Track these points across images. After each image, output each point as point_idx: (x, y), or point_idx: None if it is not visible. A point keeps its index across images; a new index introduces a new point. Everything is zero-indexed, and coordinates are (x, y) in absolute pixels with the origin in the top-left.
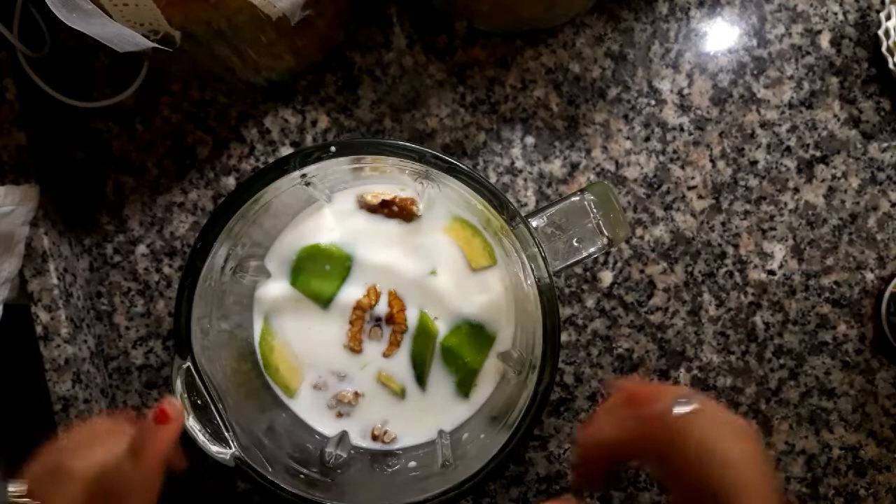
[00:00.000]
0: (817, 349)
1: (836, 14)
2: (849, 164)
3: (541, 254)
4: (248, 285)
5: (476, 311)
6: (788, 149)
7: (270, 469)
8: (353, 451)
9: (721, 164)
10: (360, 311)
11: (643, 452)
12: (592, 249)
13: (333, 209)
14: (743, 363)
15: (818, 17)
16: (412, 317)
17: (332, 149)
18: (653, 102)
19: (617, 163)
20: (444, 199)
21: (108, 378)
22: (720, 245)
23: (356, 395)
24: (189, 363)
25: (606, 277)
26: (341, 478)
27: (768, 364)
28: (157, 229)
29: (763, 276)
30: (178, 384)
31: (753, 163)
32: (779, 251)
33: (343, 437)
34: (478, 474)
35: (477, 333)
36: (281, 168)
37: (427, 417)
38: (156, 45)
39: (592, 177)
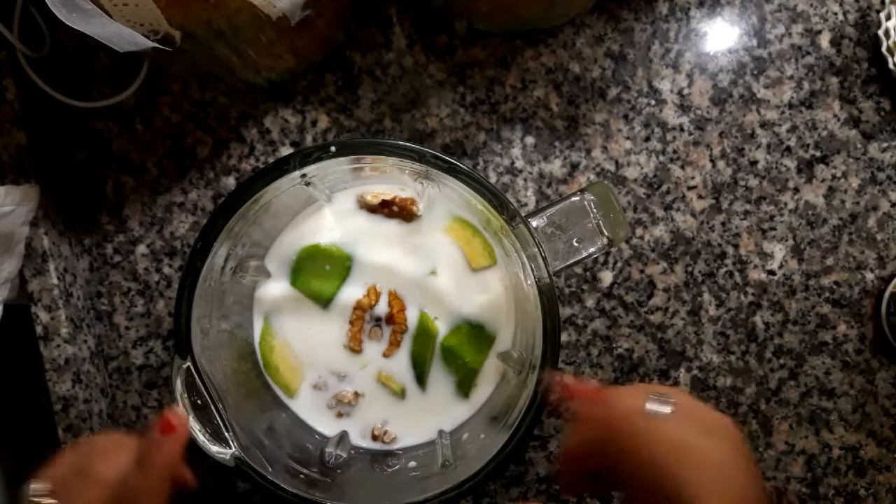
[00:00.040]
0: (817, 349)
1: (836, 14)
2: (849, 164)
3: (541, 254)
4: (248, 285)
5: (476, 311)
6: (788, 149)
7: (270, 469)
8: (353, 451)
9: (721, 164)
10: (360, 311)
11: (608, 454)
12: (592, 249)
13: (333, 209)
14: (743, 363)
15: (818, 17)
16: (412, 317)
17: (332, 149)
18: (653, 102)
19: (617, 163)
20: (444, 199)
21: (108, 378)
22: (720, 245)
23: (356, 395)
24: (189, 363)
25: (606, 277)
26: (341, 478)
27: (768, 364)
28: (157, 229)
29: (763, 276)
30: (178, 384)
31: (753, 163)
32: (779, 251)
33: (343, 437)
34: (478, 474)
35: (477, 333)
36: (281, 168)
37: (427, 417)
38: (156, 45)
39: (592, 177)
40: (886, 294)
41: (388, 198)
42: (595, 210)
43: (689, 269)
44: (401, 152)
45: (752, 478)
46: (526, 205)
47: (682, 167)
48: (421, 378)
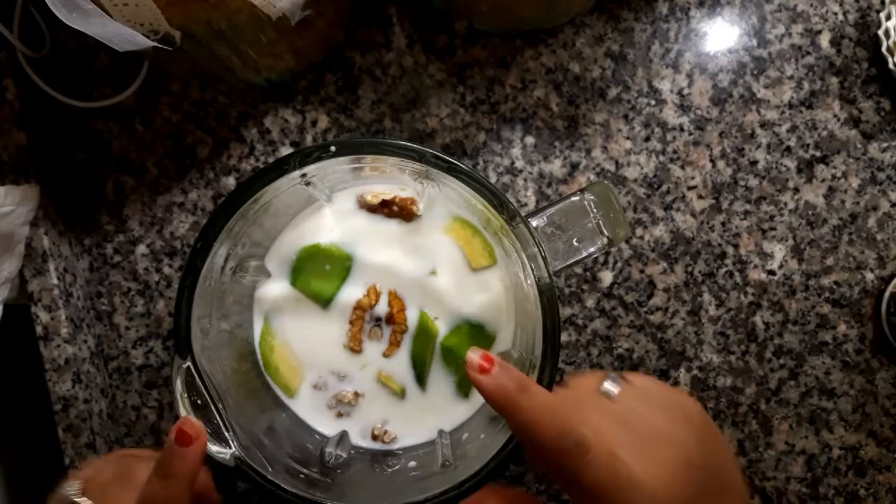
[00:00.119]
0: (817, 349)
1: (836, 14)
2: (849, 164)
3: (541, 254)
4: (248, 285)
5: (476, 311)
6: (788, 149)
7: (270, 469)
8: (353, 451)
9: (721, 164)
10: (360, 311)
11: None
12: (592, 249)
13: (333, 209)
14: (743, 363)
15: (818, 17)
16: (412, 317)
17: (332, 148)
18: (653, 102)
19: (617, 163)
20: (444, 199)
21: (108, 378)
22: (720, 245)
23: (356, 395)
24: (189, 363)
25: (606, 277)
26: (341, 478)
27: (768, 364)
28: (157, 229)
29: (763, 276)
30: (178, 384)
31: (753, 163)
32: (779, 251)
33: (343, 436)
34: (478, 474)
35: (477, 333)
36: (281, 168)
37: (427, 417)
38: (156, 44)
39: (592, 177)
40: (886, 294)
41: (388, 197)
42: (595, 210)
43: (689, 269)
44: (401, 152)
45: (704, 450)
46: (526, 205)
47: (682, 167)
48: (421, 378)
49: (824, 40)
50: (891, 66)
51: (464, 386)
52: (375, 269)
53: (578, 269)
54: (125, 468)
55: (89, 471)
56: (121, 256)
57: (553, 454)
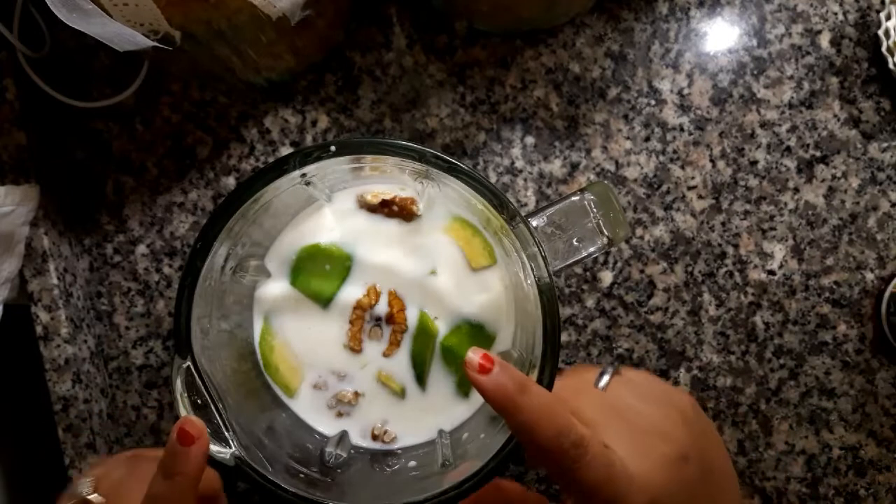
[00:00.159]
0: (817, 349)
1: (836, 14)
2: (849, 164)
3: (541, 253)
4: (248, 285)
5: (476, 311)
6: (788, 149)
7: (270, 469)
8: (353, 451)
9: (721, 164)
10: (360, 311)
11: None
12: (592, 249)
13: (333, 209)
14: (743, 363)
15: (818, 17)
16: (412, 316)
17: (332, 148)
18: (653, 102)
19: (617, 163)
20: (444, 199)
21: (108, 378)
22: (720, 245)
23: (356, 394)
24: (189, 363)
25: (606, 277)
26: (341, 477)
27: (768, 364)
28: (157, 229)
29: (763, 276)
30: (178, 384)
31: (753, 163)
32: (779, 251)
33: (343, 436)
34: (478, 474)
35: (477, 333)
36: (281, 168)
37: (427, 417)
38: (156, 44)
39: (592, 177)
40: (886, 294)
41: (388, 197)
42: (595, 210)
43: (689, 269)
44: (401, 152)
45: (696, 445)
46: (526, 205)
47: (682, 167)
48: (421, 378)
49: (824, 40)
50: (891, 66)
51: (464, 386)
52: (375, 269)
53: (578, 269)
54: (136, 467)
55: (101, 469)
56: (121, 256)
57: (552, 454)
